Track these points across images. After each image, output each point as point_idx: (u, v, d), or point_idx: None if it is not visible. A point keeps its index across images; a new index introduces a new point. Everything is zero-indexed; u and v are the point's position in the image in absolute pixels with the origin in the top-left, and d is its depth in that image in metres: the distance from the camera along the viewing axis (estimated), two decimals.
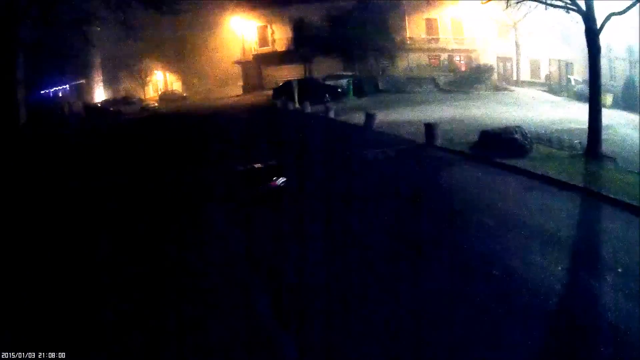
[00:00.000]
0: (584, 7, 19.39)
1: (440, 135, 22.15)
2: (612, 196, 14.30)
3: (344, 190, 15.41)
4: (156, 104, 59.66)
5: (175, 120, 39.74)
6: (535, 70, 53.36)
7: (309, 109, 35.08)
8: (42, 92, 52.27)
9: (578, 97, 39.76)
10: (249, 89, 59.36)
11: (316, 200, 14.23)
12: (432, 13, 55.38)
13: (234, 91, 61.92)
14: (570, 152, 20.37)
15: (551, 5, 20.89)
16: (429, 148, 21.57)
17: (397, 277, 9.62)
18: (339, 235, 11.70)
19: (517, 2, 22.18)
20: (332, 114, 31.61)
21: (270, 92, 46.05)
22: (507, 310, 8.40)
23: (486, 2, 24.50)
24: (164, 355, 7.22)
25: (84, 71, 62.44)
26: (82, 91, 63.44)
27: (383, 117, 28.28)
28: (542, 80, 50.48)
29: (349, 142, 23.22)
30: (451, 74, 49.83)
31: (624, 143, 23.53)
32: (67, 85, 59.80)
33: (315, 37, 50.87)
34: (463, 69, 52.20)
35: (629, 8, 18.67)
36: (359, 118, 28.40)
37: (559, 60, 45.08)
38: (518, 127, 20.56)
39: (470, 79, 45.32)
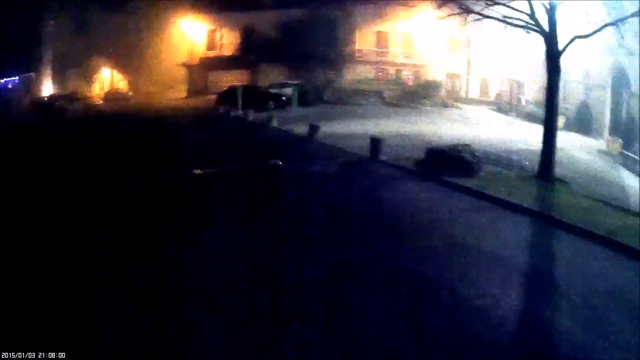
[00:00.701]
0: (546, 29, 18.39)
1: (385, 150, 20.88)
2: (565, 220, 13.41)
3: (281, 205, 13.92)
4: (101, 102, 58.74)
5: (116, 121, 37.48)
6: (484, 88, 52.73)
7: (252, 116, 33.37)
8: None
9: (528, 117, 39.04)
10: (194, 92, 57.36)
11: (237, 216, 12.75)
12: (383, 26, 54.19)
13: (179, 94, 60.11)
14: (520, 174, 19.41)
15: (513, 25, 19.82)
16: (373, 162, 20.30)
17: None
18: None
19: (476, 20, 20.87)
20: (275, 123, 30.06)
21: (215, 97, 44.07)
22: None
23: (444, 18, 23.06)
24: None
25: (35, 65, 60.29)
26: (32, 84, 61.31)
27: (327, 128, 26.82)
28: (491, 98, 49.79)
29: (292, 154, 21.64)
30: (398, 88, 48.68)
31: (576, 166, 22.64)
32: (17, 77, 57.74)
33: (264, 43, 49.59)
34: (410, 83, 51.13)
35: (594, 32, 17.95)
36: (302, 128, 26.96)
37: (510, 80, 44.27)
38: (466, 145, 19.51)
39: (417, 94, 44.23)
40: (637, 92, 28.45)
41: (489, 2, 19.93)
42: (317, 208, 13.88)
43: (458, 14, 21.10)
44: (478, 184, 16.72)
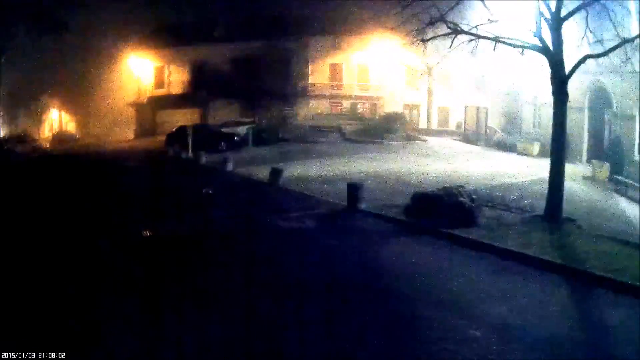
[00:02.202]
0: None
1: (363, 196, 17.39)
2: (600, 274, 10.83)
3: (247, 279, 10.36)
4: (47, 145, 55.45)
5: (59, 166, 33.27)
6: (445, 118, 50.00)
7: (204, 159, 29.70)
8: None
9: (498, 146, 36.39)
10: (142, 133, 53.55)
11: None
12: (337, 58, 51.48)
13: (127, 134, 57.13)
14: (523, 215, 16.20)
15: (512, 45, 16.82)
16: (354, 214, 16.81)
17: None
18: None
19: (470, 41, 17.76)
20: (230, 166, 26.35)
21: (164, 138, 40.27)
22: None
23: (408, 44, 20.15)
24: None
25: None
26: None
27: (290, 171, 23.28)
28: (453, 128, 46.98)
29: (254, 205, 18.03)
30: (358, 122, 45.51)
31: (572, 198, 19.30)
32: None
33: (214, 80, 46.03)
34: (369, 116, 48.12)
35: (609, 51, 15.46)
36: (262, 172, 23.52)
37: (477, 107, 41.39)
38: (460, 187, 16.44)
39: (379, 128, 40.70)
40: (623, 112, 25.73)
41: (490, 20, 16.89)
42: (298, 288, 10.01)
43: (444, 35, 17.81)
44: (485, 235, 13.52)
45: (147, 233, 13.93)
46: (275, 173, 21.51)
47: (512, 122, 39.33)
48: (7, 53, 49.96)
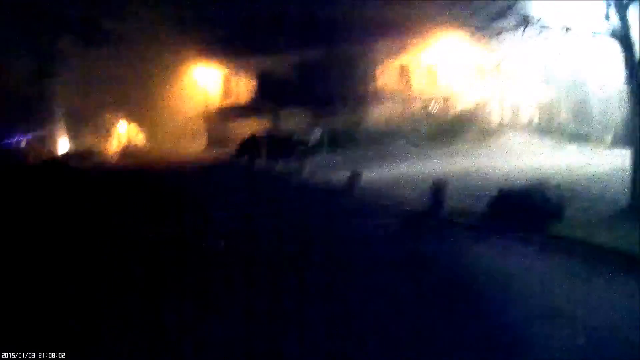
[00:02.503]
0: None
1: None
2: None
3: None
4: (116, 160, 55.01)
5: (129, 185, 30.31)
6: (515, 113, 48.13)
7: (278, 167, 29.14)
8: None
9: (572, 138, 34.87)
10: (212, 143, 53.37)
11: None
12: (404, 59, 50.25)
13: (196, 145, 56.14)
14: None
15: (583, 33, 16.07)
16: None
17: None
18: None
19: (540, 31, 16.73)
20: (306, 173, 25.47)
21: (235, 148, 40.09)
22: None
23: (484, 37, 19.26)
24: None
25: (47, 122, 57.21)
26: (45, 143, 57.90)
27: (373, 176, 22.27)
28: (524, 123, 45.22)
29: (346, 217, 17.09)
30: (433, 123, 44.27)
31: None
32: (29, 135, 55.00)
33: (282, 88, 45.71)
34: (442, 116, 46.87)
35: None
36: (341, 178, 22.46)
37: (549, 101, 39.72)
38: None
39: (455, 128, 39.35)
40: None
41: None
42: None
43: (513, 26, 16.90)
44: None
45: None
46: (354, 177, 20.31)
47: (580, 113, 37.77)
48: (59, 69, 51.14)
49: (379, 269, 11.33)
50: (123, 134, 69.66)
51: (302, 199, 20.55)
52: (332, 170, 25.56)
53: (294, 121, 44.94)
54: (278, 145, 34.89)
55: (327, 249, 12.98)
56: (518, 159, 27.64)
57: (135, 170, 41.67)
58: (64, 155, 55.10)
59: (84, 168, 44.54)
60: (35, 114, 50.91)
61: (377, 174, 24.71)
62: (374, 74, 48.39)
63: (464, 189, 18.88)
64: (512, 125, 45.16)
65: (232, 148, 42.36)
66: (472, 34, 20.58)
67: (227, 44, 51.96)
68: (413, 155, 31.74)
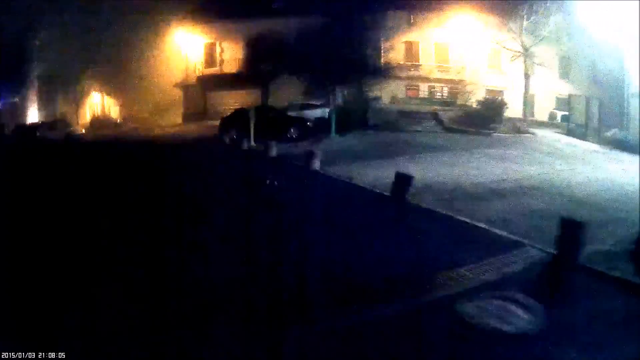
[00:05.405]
0: None
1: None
2: None
3: None
4: (84, 131, 50.14)
5: (94, 157, 26.36)
6: (532, 106, 41.61)
7: (274, 151, 21.71)
8: None
9: (619, 145, 28.29)
10: (191, 117, 46.93)
11: None
12: (413, 36, 43.89)
13: (173, 119, 50.34)
14: None
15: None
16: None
17: None
18: None
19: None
20: (316, 165, 17.75)
21: (217, 123, 33.04)
22: None
23: None
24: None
25: (20, 89, 53.07)
26: (16, 111, 54.13)
27: (420, 175, 15.11)
28: (545, 119, 38.95)
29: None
30: (455, 108, 37.41)
31: None
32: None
33: (275, 55, 38.94)
34: (466, 102, 39.94)
35: None
36: (361, 173, 15.90)
37: (586, 98, 33.29)
38: None
39: (481, 116, 32.20)
40: None
41: None
42: None
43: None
44: None
45: None
46: (400, 181, 13.15)
47: (613, 114, 32.91)
48: (42, 32, 47.77)
49: None
50: (96, 104, 65.00)
51: (309, 205, 13.18)
52: (351, 161, 18.76)
53: (287, 94, 37.70)
54: (271, 122, 27.87)
55: None
56: (589, 167, 21.40)
57: (104, 143, 37.29)
58: (32, 124, 51.11)
59: (53, 138, 41.50)
60: (7, 79, 47.47)
61: (416, 167, 17.38)
62: (380, 48, 40.60)
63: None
64: (540, 120, 38.76)
65: (213, 122, 35.57)
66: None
67: (212, 5, 45.14)
68: (447, 146, 24.57)
